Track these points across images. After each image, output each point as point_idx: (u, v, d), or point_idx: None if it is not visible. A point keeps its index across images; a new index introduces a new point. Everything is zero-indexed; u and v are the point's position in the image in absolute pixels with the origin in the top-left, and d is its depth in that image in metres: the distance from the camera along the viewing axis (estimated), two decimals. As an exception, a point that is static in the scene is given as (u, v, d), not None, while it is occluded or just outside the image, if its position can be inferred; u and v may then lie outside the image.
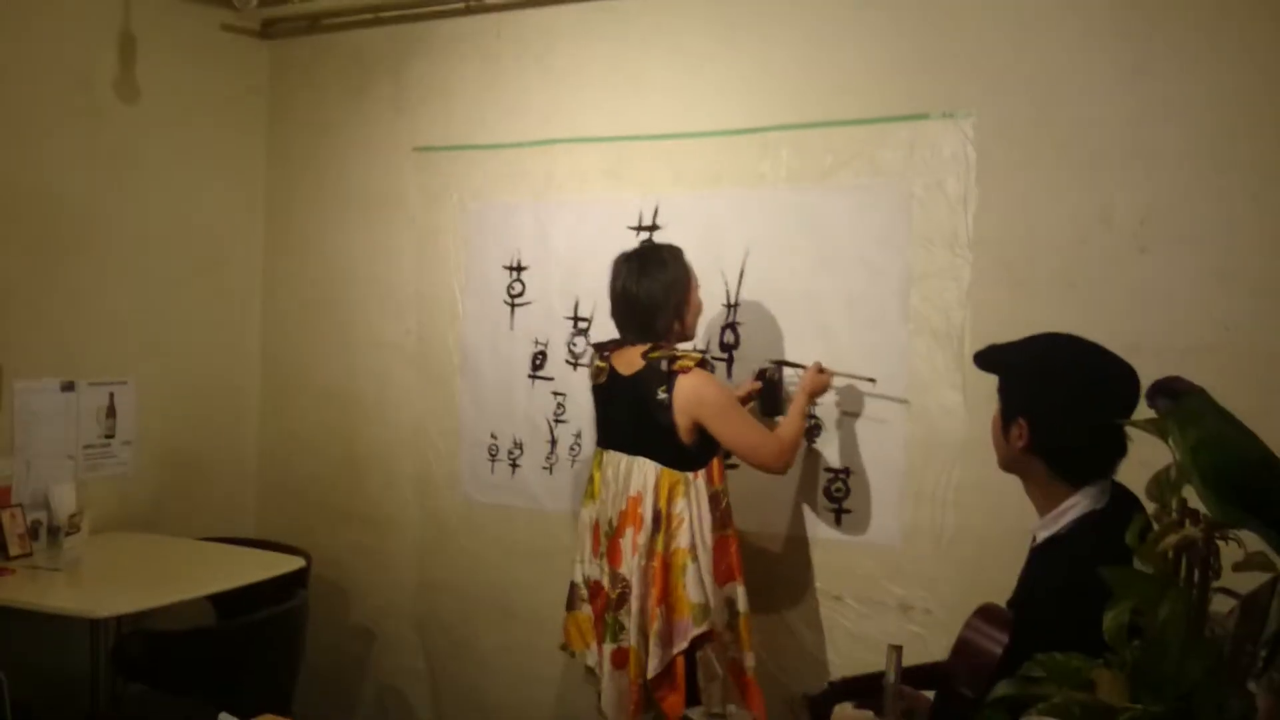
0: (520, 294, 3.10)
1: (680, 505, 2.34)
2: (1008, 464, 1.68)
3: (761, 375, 2.64)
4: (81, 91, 3.07)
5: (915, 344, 2.56)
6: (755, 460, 2.40)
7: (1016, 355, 1.69)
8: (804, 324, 2.67)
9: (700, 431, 2.36)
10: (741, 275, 2.77)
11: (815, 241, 2.67)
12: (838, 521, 2.65)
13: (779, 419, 2.58)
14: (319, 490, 3.48)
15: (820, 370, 2.54)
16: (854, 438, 2.64)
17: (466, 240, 3.20)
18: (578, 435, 3.01)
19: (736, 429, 2.37)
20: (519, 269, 3.10)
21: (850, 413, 2.63)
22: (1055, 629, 1.12)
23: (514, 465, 3.12)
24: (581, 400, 2.96)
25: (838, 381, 2.59)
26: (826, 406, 2.67)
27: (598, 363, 2.50)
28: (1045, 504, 1.63)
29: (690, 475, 2.36)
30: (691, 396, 2.32)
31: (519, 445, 3.11)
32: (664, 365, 2.34)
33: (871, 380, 2.58)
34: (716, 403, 2.35)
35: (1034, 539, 1.66)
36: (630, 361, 2.41)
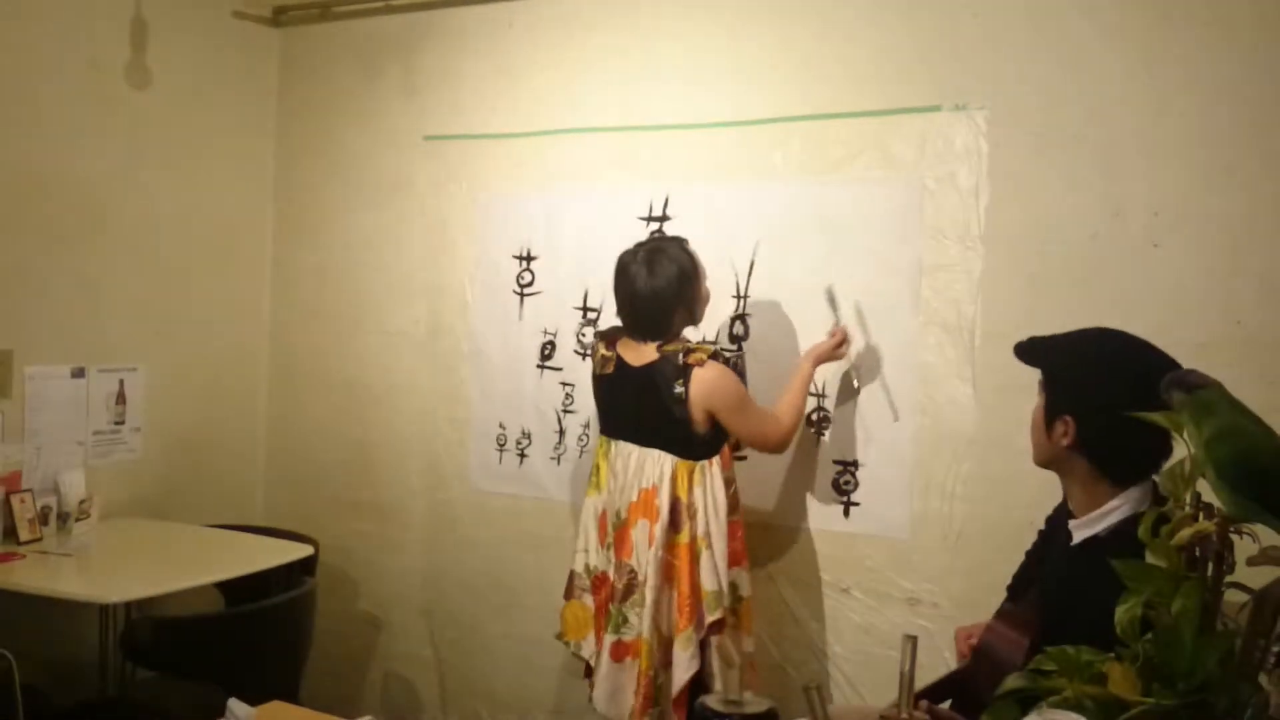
0: (530, 284, 3.10)
1: (697, 493, 2.35)
2: (1047, 460, 1.65)
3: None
4: (92, 77, 3.07)
5: (925, 336, 2.55)
6: (763, 448, 2.48)
7: (1064, 350, 1.64)
8: (814, 316, 2.65)
9: (713, 421, 2.37)
10: (751, 267, 2.76)
11: (826, 233, 2.66)
12: (846, 514, 2.65)
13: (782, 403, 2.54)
14: (327, 478, 3.49)
15: (840, 344, 2.52)
16: (863, 430, 2.64)
17: (476, 229, 3.19)
18: (586, 426, 3.01)
19: (748, 421, 2.40)
20: (529, 259, 3.10)
21: (862, 385, 2.61)
22: (1101, 640, 1.09)
23: (522, 455, 3.13)
24: (590, 390, 2.93)
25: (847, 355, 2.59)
26: (836, 387, 2.67)
27: (603, 352, 2.49)
28: (1086, 503, 1.60)
29: (705, 463, 2.38)
30: (707, 390, 2.33)
31: (527, 435, 3.12)
32: (680, 358, 2.34)
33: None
34: (731, 396, 2.36)
35: (1069, 536, 1.63)
36: (640, 353, 2.41)
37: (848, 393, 2.64)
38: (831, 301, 2.59)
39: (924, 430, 2.56)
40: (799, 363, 2.53)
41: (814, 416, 2.68)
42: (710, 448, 2.39)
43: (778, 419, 2.45)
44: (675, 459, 2.36)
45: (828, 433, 2.68)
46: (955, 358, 2.53)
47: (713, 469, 2.38)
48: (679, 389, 2.33)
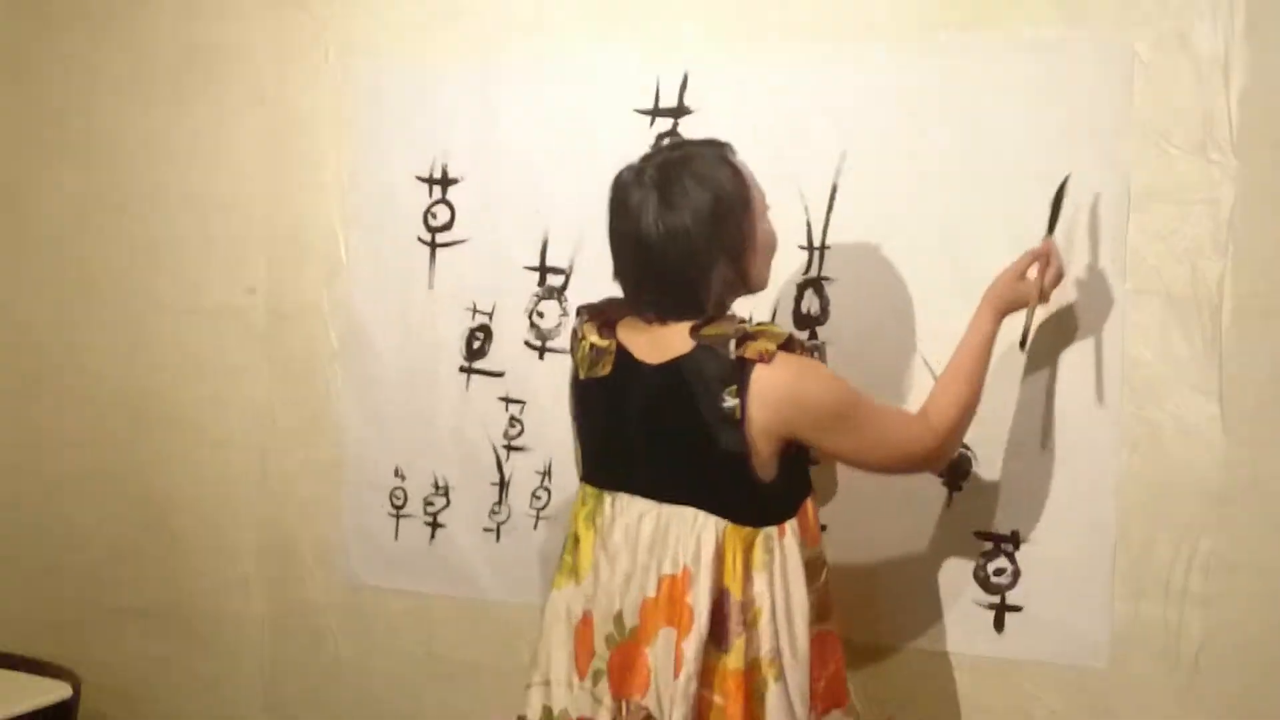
0: (447, 225, 3.12)
1: (760, 584, 2.31)
2: None
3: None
4: None
5: (1136, 313, 2.58)
6: (904, 469, 2.50)
7: None
8: (935, 277, 2.70)
9: (788, 458, 2.33)
10: (833, 198, 2.78)
11: (956, 140, 2.70)
12: (999, 625, 2.69)
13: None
14: (95, 569, 3.49)
15: (1039, 263, 2.53)
16: (1027, 481, 2.65)
17: (354, 131, 3.23)
18: (545, 472, 3.04)
19: (869, 435, 2.38)
20: (445, 182, 3.12)
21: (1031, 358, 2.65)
22: None
23: (434, 524, 3.15)
24: (552, 410, 2.94)
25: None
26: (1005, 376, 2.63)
27: (594, 340, 2.44)
28: None
29: (773, 531, 2.34)
30: (784, 399, 2.28)
31: (443, 489, 3.15)
32: (730, 349, 2.29)
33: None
34: (831, 403, 2.32)
35: None
36: (659, 341, 2.36)
37: (1010, 383, 2.66)
38: (1057, 204, 2.59)
39: (1134, 479, 2.59)
40: (973, 316, 2.53)
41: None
42: (782, 505, 2.36)
43: (926, 420, 2.44)
44: (721, 524, 2.32)
45: (971, 482, 2.68)
46: (1189, 352, 2.55)
47: (785, 542, 2.34)
48: (729, 401, 2.28)
